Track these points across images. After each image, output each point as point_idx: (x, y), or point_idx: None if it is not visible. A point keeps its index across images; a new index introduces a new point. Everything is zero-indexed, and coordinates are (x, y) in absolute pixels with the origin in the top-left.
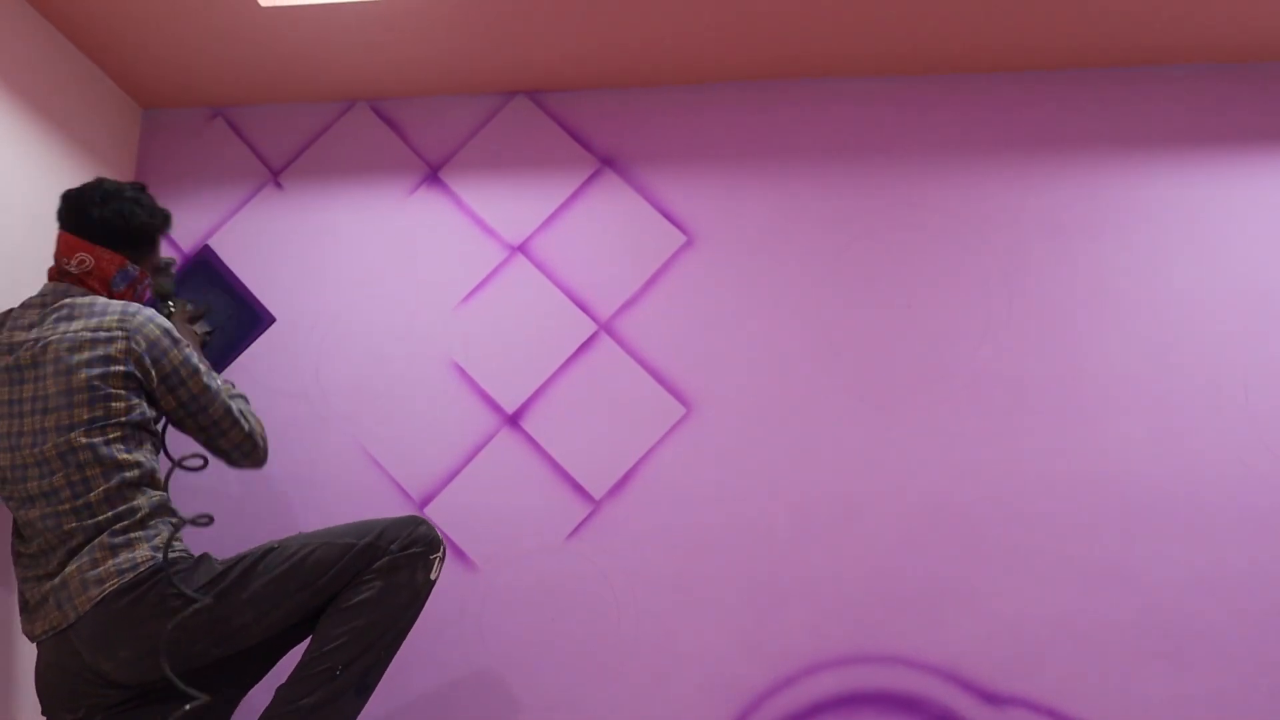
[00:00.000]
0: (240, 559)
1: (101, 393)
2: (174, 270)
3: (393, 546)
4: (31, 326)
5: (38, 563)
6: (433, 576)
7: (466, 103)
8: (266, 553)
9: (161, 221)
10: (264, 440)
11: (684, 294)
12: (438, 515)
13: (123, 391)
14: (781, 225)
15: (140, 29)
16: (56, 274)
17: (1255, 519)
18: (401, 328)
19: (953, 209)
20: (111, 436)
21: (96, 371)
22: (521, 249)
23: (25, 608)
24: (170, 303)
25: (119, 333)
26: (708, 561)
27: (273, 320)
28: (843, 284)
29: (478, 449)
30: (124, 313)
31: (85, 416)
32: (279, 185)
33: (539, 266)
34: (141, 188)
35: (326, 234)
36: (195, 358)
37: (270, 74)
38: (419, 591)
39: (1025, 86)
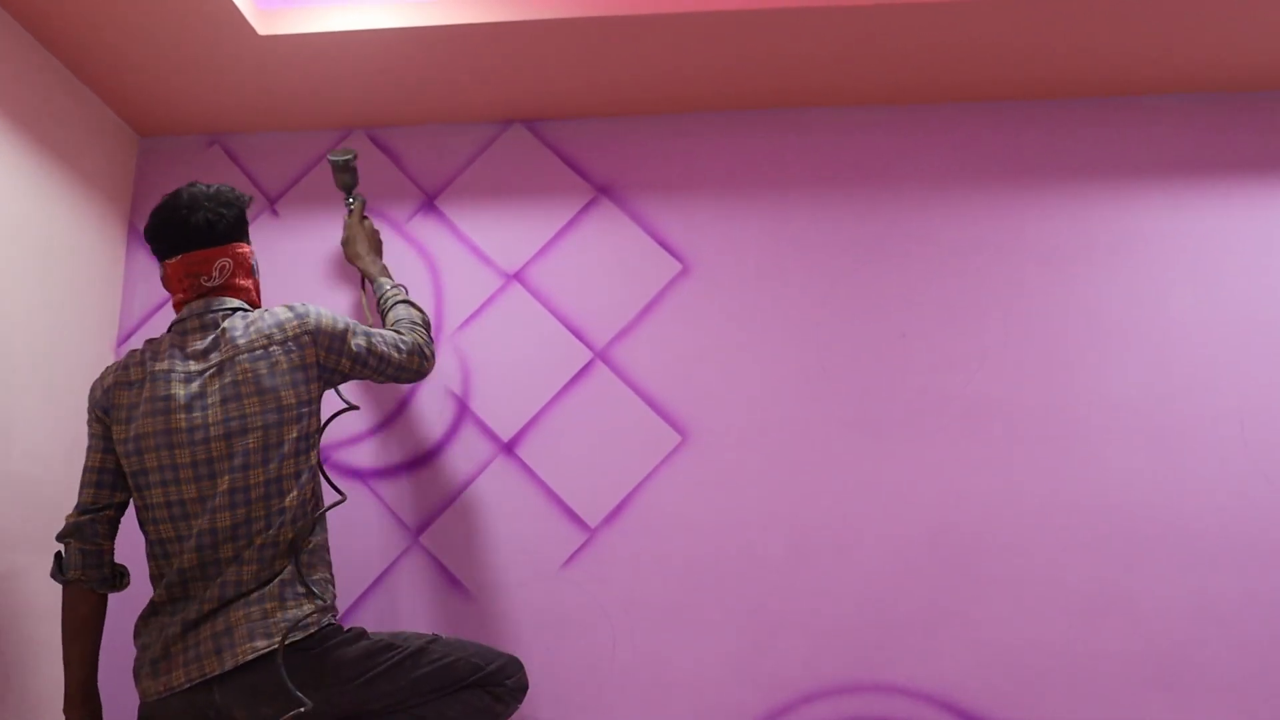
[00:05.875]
0: (393, 646)
1: (296, 411)
2: (355, 164)
3: (508, 681)
4: (207, 353)
5: (185, 607)
6: (509, 713)
7: (463, 131)
8: (421, 650)
9: (247, 198)
10: (422, 353)
11: (679, 322)
12: (433, 543)
13: (312, 403)
14: (777, 254)
15: (138, 57)
16: (194, 296)
17: (1253, 548)
18: None
19: (948, 237)
20: (293, 471)
21: (297, 381)
22: (517, 277)
23: (162, 657)
24: (351, 198)
25: (305, 336)
26: (703, 590)
27: None
28: (838, 312)
29: (473, 477)
30: (299, 315)
31: (276, 440)
32: (275, 213)
33: (535, 294)
34: (194, 184)
35: (323, 261)
36: (348, 320)
37: (267, 102)
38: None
39: (1021, 115)
